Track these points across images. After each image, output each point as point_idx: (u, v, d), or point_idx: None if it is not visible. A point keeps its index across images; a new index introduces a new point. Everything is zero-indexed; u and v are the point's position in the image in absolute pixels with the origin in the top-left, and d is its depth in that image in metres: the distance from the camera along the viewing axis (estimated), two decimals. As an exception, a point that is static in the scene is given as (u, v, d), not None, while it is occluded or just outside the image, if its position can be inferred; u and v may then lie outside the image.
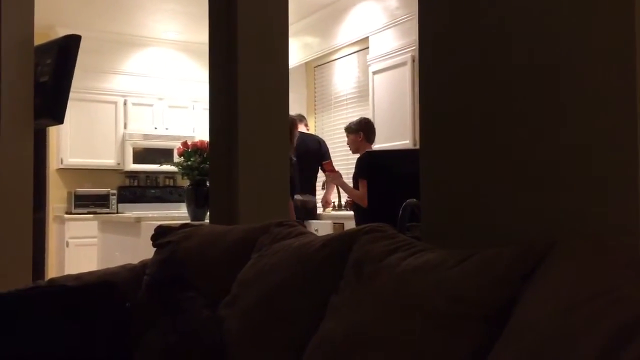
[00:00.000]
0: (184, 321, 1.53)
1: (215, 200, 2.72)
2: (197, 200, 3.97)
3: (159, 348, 1.50)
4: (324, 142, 5.02)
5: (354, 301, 1.18)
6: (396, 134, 4.93)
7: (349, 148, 4.52)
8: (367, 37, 5.34)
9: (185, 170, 4.03)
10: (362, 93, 5.69)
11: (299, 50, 6.18)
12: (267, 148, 2.65)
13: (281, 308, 1.37)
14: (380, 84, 5.17)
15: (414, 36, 4.64)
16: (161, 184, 7.06)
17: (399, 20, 4.94)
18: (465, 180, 1.39)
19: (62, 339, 1.52)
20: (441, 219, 1.46)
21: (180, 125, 6.88)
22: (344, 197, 4.91)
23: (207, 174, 3.81)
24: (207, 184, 3.80)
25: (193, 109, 6.97)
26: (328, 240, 1.41)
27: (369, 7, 5.31)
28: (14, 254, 2.56)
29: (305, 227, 1.75)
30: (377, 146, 5.09)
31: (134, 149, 6.64)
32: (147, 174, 6.92)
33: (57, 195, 6.43)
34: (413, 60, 4.76)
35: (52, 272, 5.73)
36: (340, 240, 1.38)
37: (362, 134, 4.32)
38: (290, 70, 2.84)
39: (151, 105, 6.82)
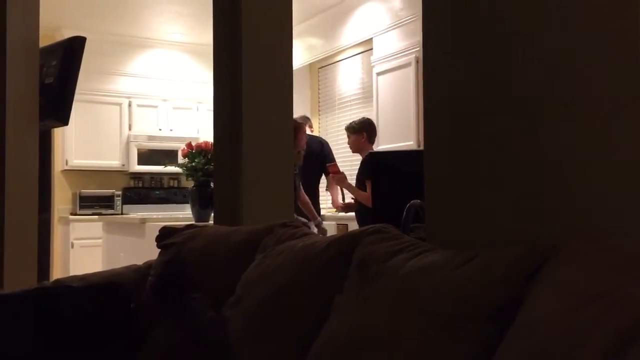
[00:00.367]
0: (189, 322, 1.53)
1: (219, 201, 2.73)
2: (202, 201, 3.98)
3: (163, 348, 1.51)
4: (326, 143, 5.02)
5: (359, 302, 1.18)
6: (400, 135, 4.93)
7: (349, 148, 4.45)
8: (371, 39, 5.34)
9: (190, 171, 4.04)
10: (366, 94, 5.69)
11: (303, 51, 6.18)
12: (271, 149, 2.65)
13: (286, 308, 1.37)
14: (384, 85, 5.17)
15: (418, 37, 4.63)
16: (165, 185, 7.07)
17: (403, 22, 4.94)
18: (469, 182, 1.39)
19: (68, 339, 1.52)
20: (445, 220, 1.46)
21: (185, 126, 6.90)
22: (348, 198, 4.90)
23: (211, 175, 3.82)
24: (212, 185, 3.81)
25: (197, 110, 6.98)
26: (332, 241, 1.41)
27: (373, 8, 5.31)
28: (20, 255, 2.57)
29: (309, 227, 1.75)
30: (381, 147, 5.09)
31: (138, 150, 6.66)
32: (152, 175, 6.93)
33: (62, 197, 6.45)
34: (417, 62, 4.76)
35: (57, 273, 5.74)
36: (345, 241, 1.38)
37: (364, 134, 4.27)
38: (294, 72, 2.84)
39: (156, 106, 6.83)
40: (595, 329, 0.71)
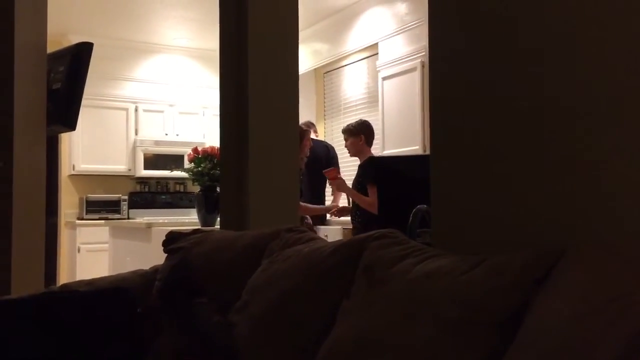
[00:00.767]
0: (195, 326, 1.53)
1: (225, 206, 2.73)
2: (208, 206, 3.98)
3: (170, 353, 1.51)
4: (332, 147, 5.02)
5: (365, 307, 1.18)
6: (406, 139, 4.92)
7: (347, 151, 4.33)
8: (377, 43, 5.34)
9: (196, 176, 4.05)
10: (372, 99, 5.69)
11: (309, 56, 6.19)
12: (277, 154, 2.65)
13: (292, 314, 1.37)
14: (390, 90, 5.17)
15: (424, 42, 4.64)
16: (172, 190, 7.09)
17: (409, 26, 4.95)
18: (476, 186, 1.39)
19: (75, 343, 1.53)
20: (452, 225, 1.46)
21: (191, 131, 6.91)
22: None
23: (217, 179, 3.83)
24: (218, 190, 3.81)
25: (203, 115, 7.00)
26: (338, 246, 1.41)
27: (379, 13, 5.31)
28: (27, 259, 2.58)
29: (315, 232, 1.75)
30: (386, 152, 5.09)
31: (144, 155, 6.68)
32: (158, 179, 6.95)
33: (68, 201, 6.47)
34: (423, 66, 4.76)
35: (63, 277, 5.76)
36: (351, 246, 1.38)
37: (362, 137, 4.14)
38: (299, 77, 2.85)
39: (162, 111, 6.85)
40: (605, 336, 0.70)
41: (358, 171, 4.19)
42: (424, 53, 4.70)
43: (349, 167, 5.71)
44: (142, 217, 6.15)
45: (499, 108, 1.33)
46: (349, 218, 4.72)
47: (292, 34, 2.73)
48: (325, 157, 4.77)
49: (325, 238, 3.90)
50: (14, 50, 2.61)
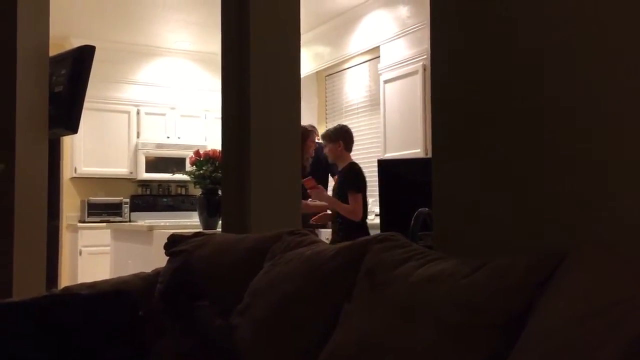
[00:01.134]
0: (197, 329, 1.53)
1: (227, 209, 2.73)
2: (209, 209, 3.98)
3: (171, 356, 1.51)
4: None
5: (367, 310, 1.18)
6: (407, 142, 4.92)
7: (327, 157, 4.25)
8: (379, 46, 5.34)
9: (198, 179, 4.05)
10: (373, 102, 5.69)
11: (310, 59, 6.20)
12: (279, 157, 2.66)
13: (294, 317, 1.37)
14: (392, 93, 5.17)
15: (425, 45, 4.64)
16: (173, 193, 7.09)
17: (410, 30, 4.95)
18: (477, 189, 1.38)
19: (77, 346, 1.53)
20: (453, 228, 1.46)
21: (193, 134, 6.92)
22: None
23: (218, 182, 3.83)
24: (219, 193, 3.81)
25: (205, 118, 7.00)
26: (340, 249, 1.41)
27: (380, 16, 5.32)
28: (29, 262, 2.58)
29: (317, 235, 1.75)
30: (388, 155, 5.09)
31: (146, 158, 6.68)
32: (160, 182, 6.95)
33: (70, 204, 6.47)
34: (424, 69, 4.76)
35: (65, 280, 5.76)
36: (353, 249, 1.38)
37: (341, 142, 4.06)
38: (301, 80, 2.85)
39: (164, 114, 6.86)
40: (607, 338, 0.70)
41: (338, 178, 4.13)
42: (425, 56, 4.71)
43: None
44: (144, 220, 6.15)
45: (500, 110, 1.33)
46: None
47: (294, 37, 2.73)
48: (325, 160, 4.76)
49: (326, 241, 3.89)
50: (17, 53, 2.62)
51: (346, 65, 6.13)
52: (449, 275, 1.07)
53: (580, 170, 1.18)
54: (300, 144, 2.84)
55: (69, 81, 2.92)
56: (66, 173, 6.42)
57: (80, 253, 6.13)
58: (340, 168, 4.12)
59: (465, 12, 1.44)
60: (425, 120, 4.69)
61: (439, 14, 1.52)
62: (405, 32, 5.02)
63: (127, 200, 6.64)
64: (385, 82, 5.24)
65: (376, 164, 3.56)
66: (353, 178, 3.89)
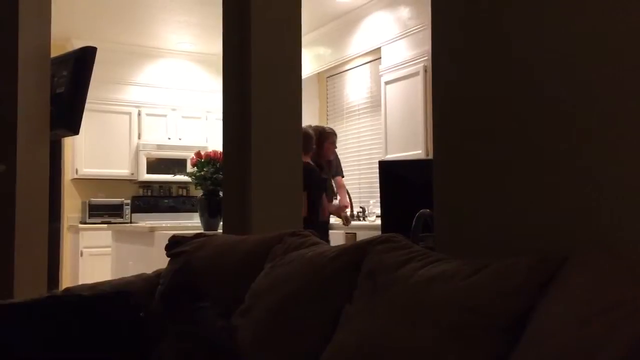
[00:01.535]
0: (198, 330, 1.53)
1: (228, 210, 2.73)
2: (210, 210, 3.98)
3: (173, 358, 1.51)
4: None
5: (368, 311, 1.18)
6: (408, 144, 4.92)
7: None
8: (380, 48, 5.35)
9: (199, 180, 4.05)
10: (375, 103, 5.69)
11: (312, 61, 6.20)
12: (280, 158, 2.66)
13: (295, 318, 1.37)
14: (393, 95, 5.17)
15: (427, 46, 4.64)
16: (174, 194, 7.09)
17: (412, 31, 4.95)
18: (479, 191, 1.38)
19: (78, 348, 1.53)
20: (455, 229, 1.45)
21: (194, 135, 6.92)
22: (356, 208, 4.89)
23: (220, 184, 3.83)
24: (220, 194, 3.81)
25: (206, 119, 7.01)
26: (341, 251, 1.41)
27: (382, 17, 5.32)
28: (30, 263, 2.58)
29: (318, 236, 1.75)
30: (389, 156, 5.09)
31: (147, 159, 6.68)
32: (161, 184, 6.96)
33: (71, 205, 6.48)
34: (425, 71, 4.76)
35: (66, 281, 5.76)
36: (354, 250, 1.38)
37: None
38: (302, 81, 2.85)
39: (165, 115, 6.87)
40: (609, 340, 0.70)
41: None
42: (426, 57, 4.71)
43: (354, 171, 5.71)
44: (145, 221, 6.15)
45: (502, 112, 1.33)
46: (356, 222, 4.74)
47: (295, 38, 2.73)
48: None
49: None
50: (18, 54, 2.62)
51: (347, 67, 6.13)
52: (450, 277, 1.07)
53: (582, 172, 1.18)
54: (301, 145, 2.83)
55: (71, 82, 2.93)
56: (67, 174, 6.42)
57: (82, 254, 6.13)
58: None
59: (467, 14, 1.44)
60: (427, 122, 4.69)
61: (440, 15, 1.52)
62: (406, 33, 5.02)
63: (128, 201, 6.65)
64: (387, 83, 5.24)
65: (377, 165, 3.57)
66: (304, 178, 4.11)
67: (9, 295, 2.43)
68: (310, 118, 5.95)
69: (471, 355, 0.95)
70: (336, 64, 6.12)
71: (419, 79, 4.84)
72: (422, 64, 4.81)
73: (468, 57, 1.43)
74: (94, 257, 6.00)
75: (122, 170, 6.64)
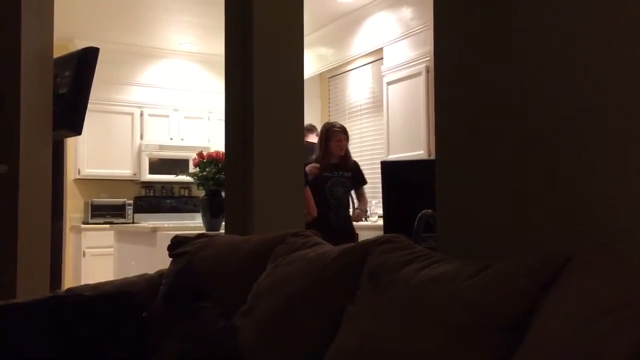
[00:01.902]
0: (200, 331, 1.53)
1: (230, 210, 2.73)
2: (213, 210, 3.98)
3: (175, 357, 1.51)
4: None
5: (371, 312, 1.18)
6: (410, 144, 4.92)
7: None
8: (382, 48, 5.35)
9: (201, 180, 4.05)
10: (377, 104, 5.69)
11: (314, 61, 6.20)
12: (282, 158, 2.66)
13: (297, 318, 1.37)
14: (395, 95, 5.17)
15: (429, 47, 4.63)
16: (176, 194, 7.10)
17: (414, 31, 4.95)
18: (481, 191, 1.38)
19: (80, 348, 1.53)
20: (457, 230, 1.45)
21: (196, 135, 6.93)
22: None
23: (222, 184, 3.83)
24: (222, 194, 3.81)
25: (208, 119, 7.01)
26: (344, 251, 1.41)
27: (384, 18, 5.32)
28: (33, 263, 2.59)
29: (320, 237, 1.75)
30: (391, 157, 5.09)
31: (149, 159, 6.69)
32: (163, 184, 6.96)
33: (74, 206, 6.49)
34: (427, 71, 4.76)
35: (68, 281, 5.77)
36: (356, 250, 1.38)
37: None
38: (304, 81, 2.85)
39: (167, 116, 6.87)
40: (612, 341, 0.70)
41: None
42: (428, 58, 4.70)
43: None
44: (147, 221, 6.16)
45: (504, 114, 1.33)
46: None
47: (297, 38, 2.73)
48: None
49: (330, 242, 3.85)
50: (21, 55, 2.62)
51: (349, 67, 6.13)
52: (452, 277, 1.07)
53: (583, 174, 1.18)
54: (303, 145, 2.83)
55: (73, 83, 2.93)
56: (70, 174, 6.43)
57: (84, 254, 6.14)
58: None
59: (469, 15, 1.44)
60: (429, 122, 4.69)
61: (442, 17, 1.52)
62: (408, 33, 5.02)
63: (131, 201, 6.65)
64: (389, 83, 5.24)
65: (379, 165, 3.56)
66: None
67: (12, 295, 2.43)
68: (312, 118, 5.95)
69: (473, 356, 0.95)
70: (338, 64, 6.12)
71: (421, 80, 4.84)
72: (424, 65, 4.81)
73: (470, 57, 1.43)
74: (96, 258, 6.01)
75: (124, 171, 6.65)
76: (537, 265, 0.98)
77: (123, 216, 6.49)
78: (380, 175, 3.31)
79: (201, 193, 4.33)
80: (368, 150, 5.77)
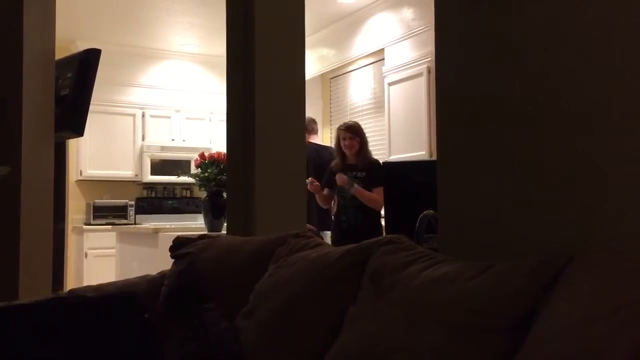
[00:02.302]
0: (202, 332, 1.53)
1: (232, 211, 2.74)
2: (214, 211, 3.98)
3: (177, 359, 1.51)
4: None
5: (372, 312, 1.18)
6: (412, 145, 4.92)
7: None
8: (383, 49, 5.35)
9: (202, 181, 4.05)
10: (378, 104, 5.69)
11: (315, 62, 6.20)
12: (283, 159, 2.66)
13: (299, 319, 1.37)
14: (396, 96, 5.17)
15: (430, 47, 4.63)
16: (178, 195, 7.10)
17: (415, 32, 4.95)
18: (482, 192, 1.38)
19: (82, 349, 1.53)
20: (458, 231, 1.45)
21: (198, 137, 6.94)
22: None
23: (223, 185, 3.83)
24: (224, 195, 3.81)
25: (210, 120, 7.02)
26: (345, 252, 1.41)
27: (385, 18, 5.32)
28: (35, 264, 2.59)
29: (322, 238, 1.75)
30: (393, 157, 5.09)
31: (151, 160, 6.70)
32: (165, 185, 6.97)
33: (75, 207, 6.49)
34: (429, 72, 4.76)
35: (70, 282, 5.77)
36: (358, 251, 1.38)
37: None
38: (306, 82, 2.85)
39: (169, 117, 6.88)
40: (613, 341, 0.70)
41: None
42: (430, 58, 4.70)
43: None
44: (149, 222, 6.17)
45: (505, 114, 1.33)
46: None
47: (299, 39, 2.73)
48: (330, 161, 4.74)
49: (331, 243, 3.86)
50: (23, 56, 2.63)
51: (351, 68, 6.13)
52: (454, 278, 1.07)
53: (584, 174, 1.18)
54: (304, 146, 2.83)
55: (75, 84, 2.94)
56: (72, 176, 6.44)
57: (86, 255, 6.15)
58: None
59: (470, 16, 1.44)
60: (430, 123, 4.69)
61: (443, 17, 1.52)
62: (409, 34, 5.02)
63: (133, 202, 6.66)
64: (390, 84, 5.24)
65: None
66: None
67: (14, 296, 2.44)
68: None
69: (475, 356, 0.95)
70: (340, 65, 6.12)
71: (423, 80, 4.84)
72: (425, 65, 4.81)
73: (471, 58, 1.43)
74: (98, 259, 6.01)
75: (126, 172, 6.66)
76: (538, 266, 0.98)
77: (125, 217, 6.50)
78: (381, 176, 3.31)
79: (203, 194, 4.33)
80: (369, 151, 5.76)
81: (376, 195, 3.81)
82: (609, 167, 1.14)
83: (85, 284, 4.25)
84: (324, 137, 6.37)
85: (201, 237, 2.02)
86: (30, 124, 2.64)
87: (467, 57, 1.44)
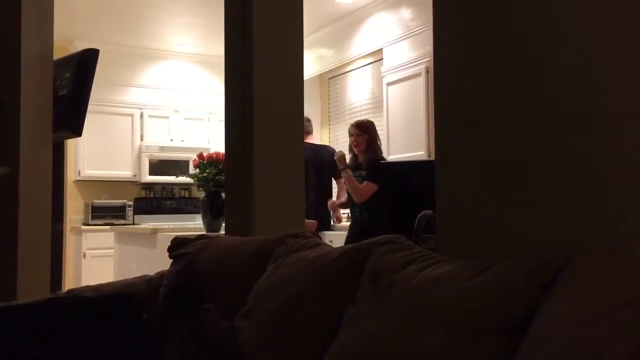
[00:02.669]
0: (201, 332, 1.53)
1: (231, 211, 2.73)
2: (213, 211, 3.98)
3: (176, 359, 1.51)
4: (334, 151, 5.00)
5: (371, 313, 1.18)
6: (410, 145, 4.92)
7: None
8: (381, 49, 5.35)
9: (201, 181, 4.05)
10: (376, 104, 5.69)
11: (313, 62, 6.20)
12: (282, 159, 2.66)
13: (297, 319, 1.37)
14: (394, 96, 5.18)
15: (429, 47, 4.64)
16: (177, 196, 7.10)
17: (413, 32, 4.95)
18: (481, 192, 1.38)
19: (81, 349, 1.53)
20: (457, 230, 1.45)
21: (196, 137, 6.93)
22: None
23: (222, 185, 3.83)
24: (223, 196, 3.81)
25: (208, 121, 7.02)
26: (344, 252, 1.41)
27: (383, 18, 5.32)
28: (33, 265, 2.59)
29: (320, 238, 1.75)
30: (391, 157, 5.09)
31: (150, 160, 6.69)
32: (163, 185, 6.97)
33: (74, 207, 6.49)
34: (427, 72, 4.76)
35: (69, 283, 5.77)
36: (356, 251, 1.38)
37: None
38: (304, 82, 2.85)
39: (167, 117, 6.87)
40: (614, 341, 0.70)
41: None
42: (428, 58, 4.71)
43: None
44: (148, 222, 6.16)
45: (504, 114, 1.33)
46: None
47: (297, 39, 2.73)
48: (330, 162, 4.75)
49: (330, 244, 3.86)
50: (21, 56, 2.62)
51: (349, 68, 6.13)
52: (452, 278, 1.07)
53: (584, 174, 1.18)
54: (303, 147, 2.83)
55: (73, 84, 2.93)
56: (70, 176, 6.43)
57: (84, 256, 6.14)
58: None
59: (468, 16, 1.44)
60: (428, 123, 4.69)
61: (442, 17, 1.52)
62: (408, 34, 5.02)
63: (131, 203, 6.66)
64: (388, 84, 5.24)
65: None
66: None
67: (12, 296, 2.43)
68: (312, 119, 5.95)
69: (474, 357, 0.95)
70: (338, 65, 6.12)
71: (421, 80, 4.84)
72: (424, 65, 4.81)
73: (470, 57, 1.43)
74: (96, 259, 6.01)
75: (124, 172, 6.65)
76: (537, 266, 0.98)
77: (123, 217, 6.49)
78: (380, 176, 3.31)
79: (201, 194, 4.33)
80: (368, 151, 5.76)
81: (362, 187, 3.81)
82: (609, 167, 1.14)
83: (83, 284, 4.24)
84: (322, 137, 6.37)
85: (200, 237, 2.02)
86: (28, 124, 2.64)
87: (466, 57, 1.44)
